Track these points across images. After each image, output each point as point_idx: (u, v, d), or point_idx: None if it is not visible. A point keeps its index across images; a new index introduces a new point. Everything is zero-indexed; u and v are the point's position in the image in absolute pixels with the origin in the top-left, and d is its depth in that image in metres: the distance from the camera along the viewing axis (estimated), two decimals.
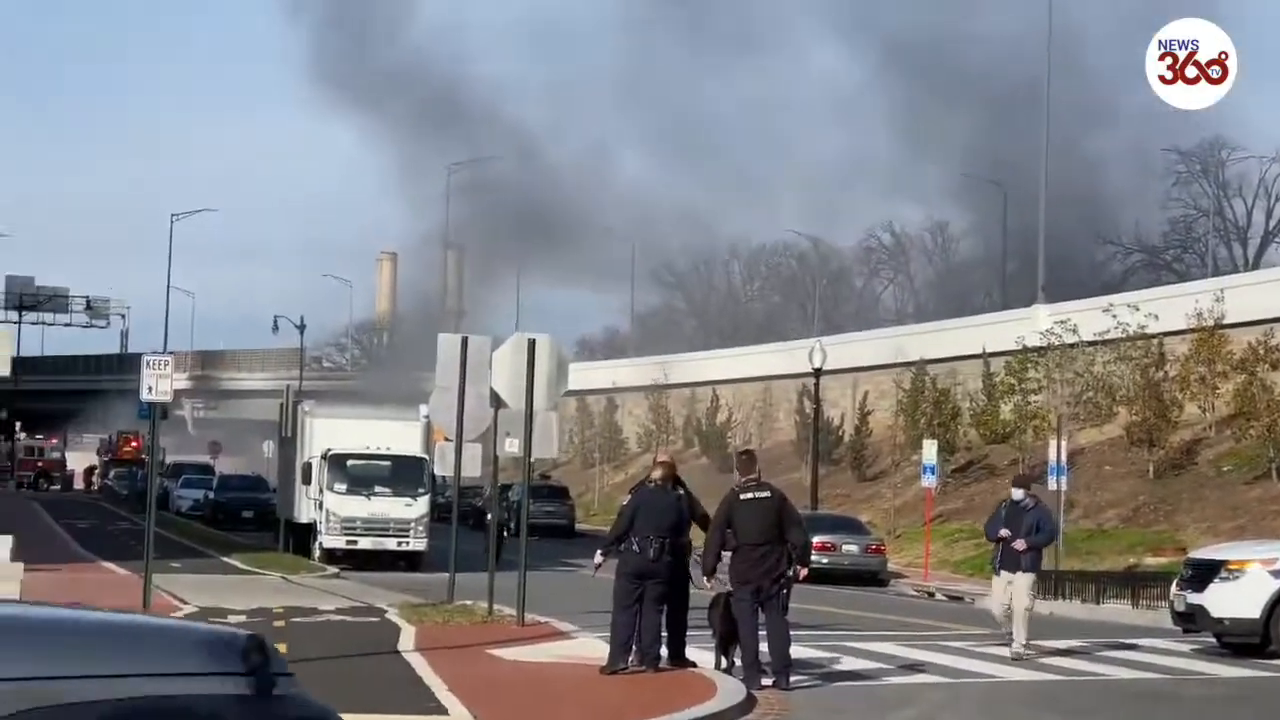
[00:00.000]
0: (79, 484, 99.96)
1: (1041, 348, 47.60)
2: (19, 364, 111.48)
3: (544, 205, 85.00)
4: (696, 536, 17.28)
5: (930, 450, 43.02)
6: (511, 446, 21.56)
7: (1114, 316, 45.70)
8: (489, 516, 29.02)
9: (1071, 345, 45.62)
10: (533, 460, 22.30)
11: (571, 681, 16.22)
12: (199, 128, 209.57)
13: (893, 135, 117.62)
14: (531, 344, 21.05)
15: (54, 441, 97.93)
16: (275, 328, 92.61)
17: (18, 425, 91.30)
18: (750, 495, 16.42)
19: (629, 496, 17.26)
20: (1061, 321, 47.50)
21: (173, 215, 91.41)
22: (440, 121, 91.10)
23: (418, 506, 38.41)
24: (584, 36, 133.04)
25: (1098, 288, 66.58)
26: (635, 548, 16.49)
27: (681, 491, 17.30)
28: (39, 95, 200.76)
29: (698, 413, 73.78)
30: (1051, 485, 37.73)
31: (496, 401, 22.15)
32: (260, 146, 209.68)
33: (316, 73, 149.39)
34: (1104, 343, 46.33)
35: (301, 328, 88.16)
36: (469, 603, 23.48)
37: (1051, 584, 33.89)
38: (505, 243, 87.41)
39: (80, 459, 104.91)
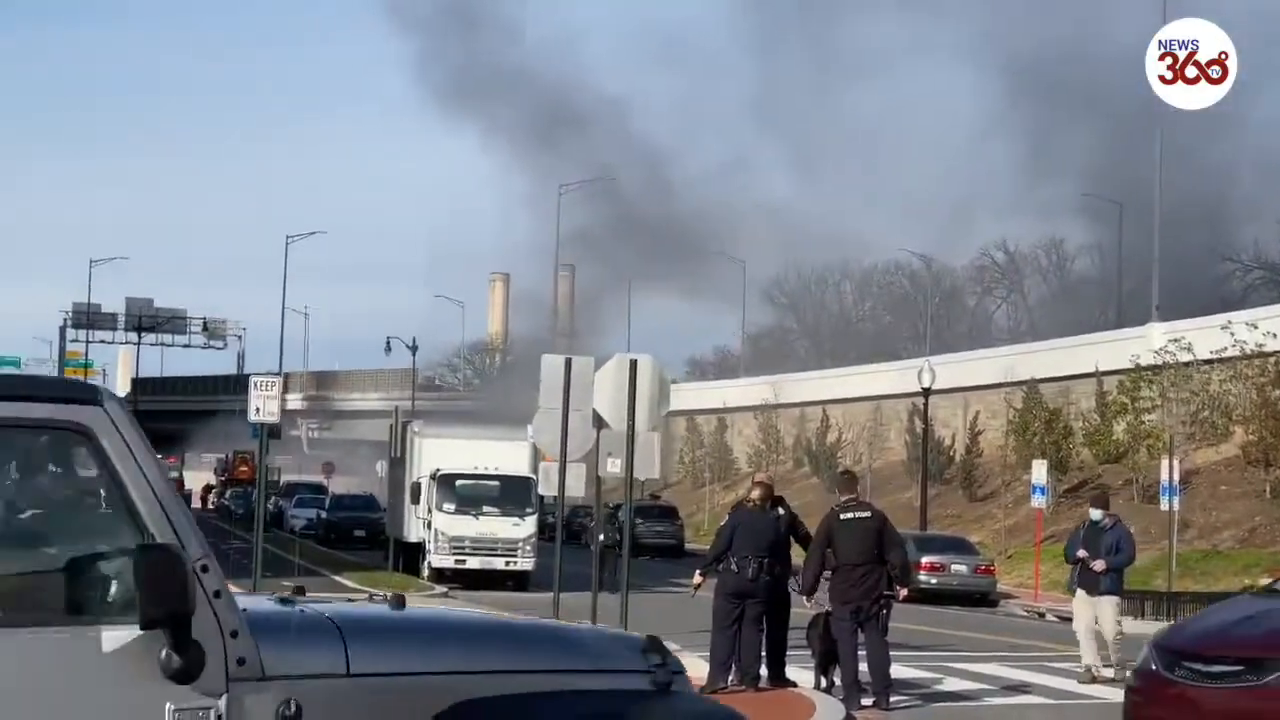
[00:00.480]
0: (196, 503, 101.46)
1: (1156, 366, 47.01)
2: (139, 384, 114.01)
3: (656, 225, 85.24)
4: (798, 556, 17.26)
5: (1041, 470, 42.60)
6: (614, 467, 21.61)
7: (1231, 334, 45.02)
8: (601, 537, 29.08)
9: (1186, 364, 45.02)
10: (641, 480, 22.37)
11: None
12: (314, 151, 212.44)
13: (1009, 153, 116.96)
14: (633, 365, 21.11)
15: (173, 461, 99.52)
16: (388, 349, 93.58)
17: None
18: (850, 515, 16.39)
19: (727, 517, 17.29)
20: (1176, 340, 46.89)
21: (287, 237, 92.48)
22: (552, 139, 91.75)
23: (525, 526, 38.59)
24: (700, 54, 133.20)
25: (1216, 305, 65.59)
26: (734, 567, 16.51)
27: (782, 511, 17.29)
28: (155, 121, 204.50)
29: (808, 432, 73.54)
30: (1164, 505, 37.24)
31: (599, 422, 22.22)
32: (374, 169, 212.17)
33: (432, 88, 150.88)
34: (1220, 361, 45.67)
35: (414, 349, 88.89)
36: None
37: (1165, 605, 33.43)
38: (616, 263, 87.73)
39: (198, 478, 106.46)
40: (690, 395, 79.04)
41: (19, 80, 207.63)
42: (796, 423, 75.06)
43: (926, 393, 51.67)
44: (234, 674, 5.27)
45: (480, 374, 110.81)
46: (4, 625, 5.10)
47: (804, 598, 16.81)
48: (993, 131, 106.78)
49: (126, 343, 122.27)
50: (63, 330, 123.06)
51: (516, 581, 38.36)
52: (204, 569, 5.24)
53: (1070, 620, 35.01)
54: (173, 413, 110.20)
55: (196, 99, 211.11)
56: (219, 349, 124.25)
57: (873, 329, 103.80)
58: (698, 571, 17.92)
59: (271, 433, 27.94)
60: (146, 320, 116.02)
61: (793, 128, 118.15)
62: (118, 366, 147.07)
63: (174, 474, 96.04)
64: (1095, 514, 20.33)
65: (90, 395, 5.40)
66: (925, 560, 39.44)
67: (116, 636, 5.12)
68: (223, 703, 5.23)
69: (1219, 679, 11.46)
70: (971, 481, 59.56)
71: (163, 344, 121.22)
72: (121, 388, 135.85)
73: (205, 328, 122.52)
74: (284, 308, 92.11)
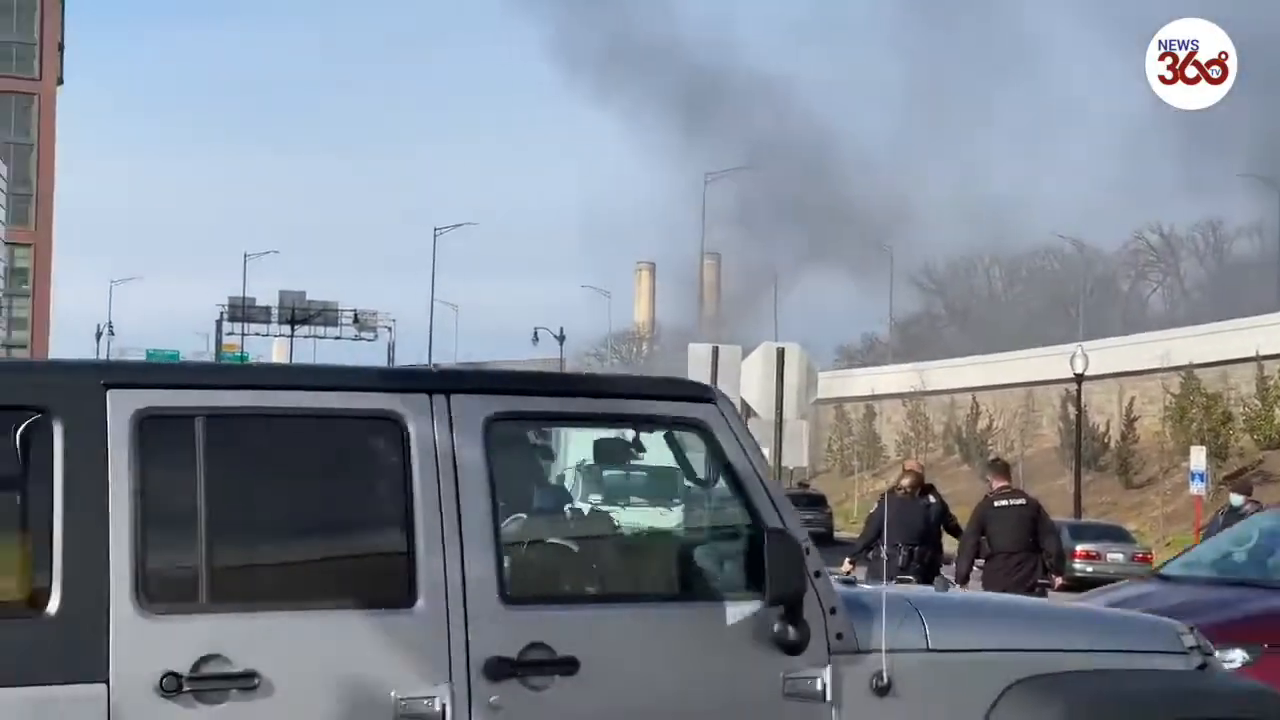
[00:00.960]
0: None
1: None
2: None
3: (802, 212, 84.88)
4: (951, 545, 17.03)
5: (1199, 457, 41.77)
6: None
7: None
8: None
9: None
10: (790, 468, 22.25)
11: None
12: (462, 143, 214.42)
13: (1166, 135, 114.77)
14: (780, 353, 21.01)
15: None
16: (535, 339, 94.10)
17: None
18: (1004, 503, 16.14)
19: (877, 504, 17.14)
20: None
21: (436, 229, 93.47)
22: (699, 126, 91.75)
23: (673, 516, 38.61)
24: (854, 37, 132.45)
25: None
26: (883, 555, 16.33)
27: (932, 500, 17.09)
28: (305, 117, 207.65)
29: (957, 420, 72.80)
30: None
31: (746, 411, 22.14)
32: (521, 161, 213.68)
33: (580, 72, 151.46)
34: None
35: (561, 339, 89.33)
36: None
37: None
38: (763, 250, 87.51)
39: None
40: (838, 383, 78.53)
41: (175, 78, 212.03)
42: (946, 410, 74.31)
43: (1079, 379, 50.87)
44: (834, 647, 5.78)
45: (627, 363, 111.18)
46: (671, 600, 5.80)
47: (957, 586, 16.60)
48: (1148, 112, 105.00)
49: (280, 335, 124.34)
50: (219, 323, 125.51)
51: None
52: (807, 551, 5.74)
53: None
54: None
55: (346, 94, 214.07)
56: (370, 340, 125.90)
57: (1023, 314, 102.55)
58: (847, 559, 17.76)
59: None
60: (299, 313, 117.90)
61: (945, 111, 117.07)
62: (272, 358, 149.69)
63: None
64: (1236, 499, 19.73)
65: (705, 394, 5.95)
66: (1080, 548, 38.81)
67: (738, 611, 5.70)
68: (826, 673, 5.75)
69: None
70: (1127, 468, 58.57)
71: (315, 336, 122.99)
72: None
73: (356, 320, 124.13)
74: (433, 299, 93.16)
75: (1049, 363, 64.53)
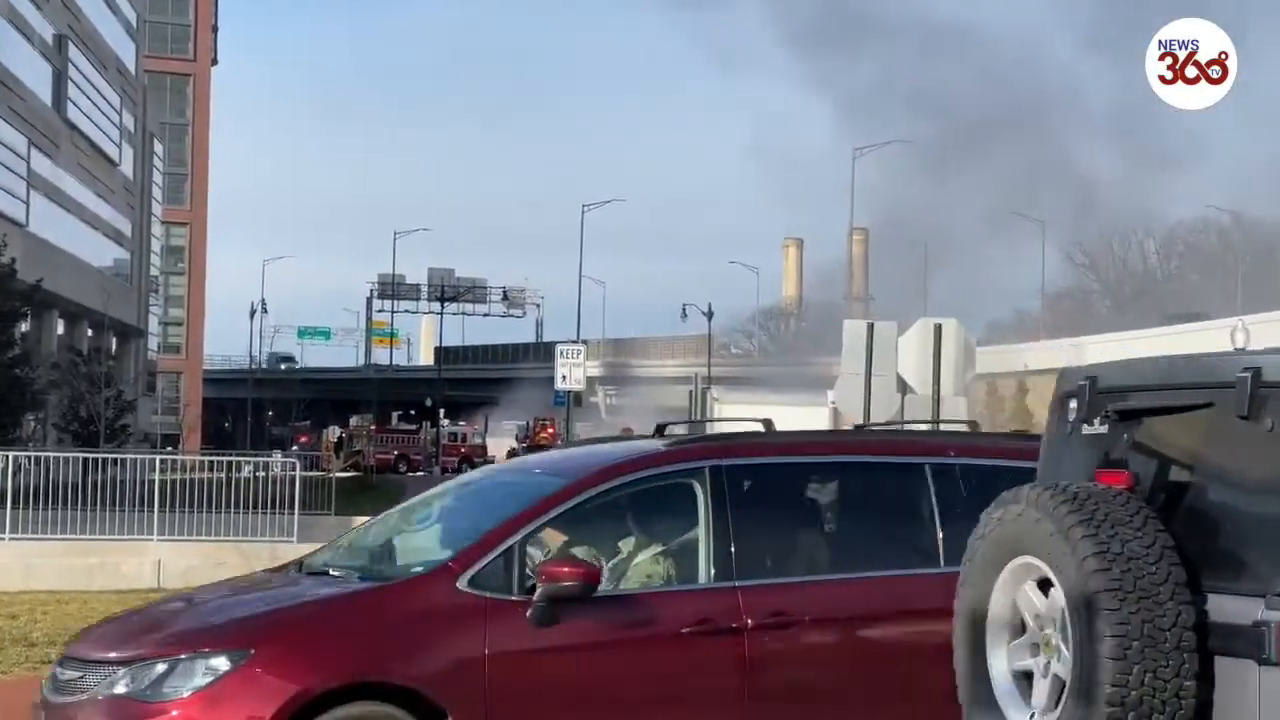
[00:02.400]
0: None
1: None
2: (442, 353, 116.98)
3: (954, 185, 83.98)
4: None
5: None
6: None
7: None
8: None
9: None
10: None
11: None
12: (612, 120, 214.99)
13: None
14: (938, 329, 20.75)
15: (476, 427, 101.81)
16: (684, 315, 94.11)
17: (441, 412, 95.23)
18: None
19: None
20: None
21: (584, 206, 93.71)
22: (852, 99, 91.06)
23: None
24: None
25: None
26: None
27: None
28: (456, 96, 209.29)
29: None
30: None
31: (903, 387, 21.89)
32: (667, 136, 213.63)
33: (730, 46, 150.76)
34: None
35: (709, 315, 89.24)
36: None
37: None
38: (910, 226, 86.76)
39: (500, 445, 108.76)
40: (990, 358, 77.53)
41: (324, 60, 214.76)
42: None
43: (1240, 353, 49.85)
44: None
45: (775, 339, 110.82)
46: None
47: None
48: None
49: (429, 312, 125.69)
50: (369, 301, 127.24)
51: None
52: None
53: None
54: (475, 380, 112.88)
55: (496, 74, 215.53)
56: (518, 317, 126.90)
57: (1179, 288, 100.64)
58: None
59: (575, 399, 28.28)
60: (448, 290, 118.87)
61: (1100, 80, 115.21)
62: (420, 335, 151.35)
63: (477, 440, 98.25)
64: None
65: None
66: None
67: None
68: None
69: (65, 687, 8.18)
70: None
71: (464, 313, 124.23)
72: (425, 356, 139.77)
73: (505, 296, 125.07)
74: (580, 276, 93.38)
75: (1207, 338, 63.22)
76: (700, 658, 8.19)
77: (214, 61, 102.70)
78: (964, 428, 12.84)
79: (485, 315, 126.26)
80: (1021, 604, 6.47)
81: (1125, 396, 6.91)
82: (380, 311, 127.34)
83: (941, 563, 8.58)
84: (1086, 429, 6.94)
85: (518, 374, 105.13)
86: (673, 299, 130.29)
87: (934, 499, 8.89)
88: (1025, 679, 6.50)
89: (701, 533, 8.43)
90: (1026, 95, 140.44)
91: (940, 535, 8.77)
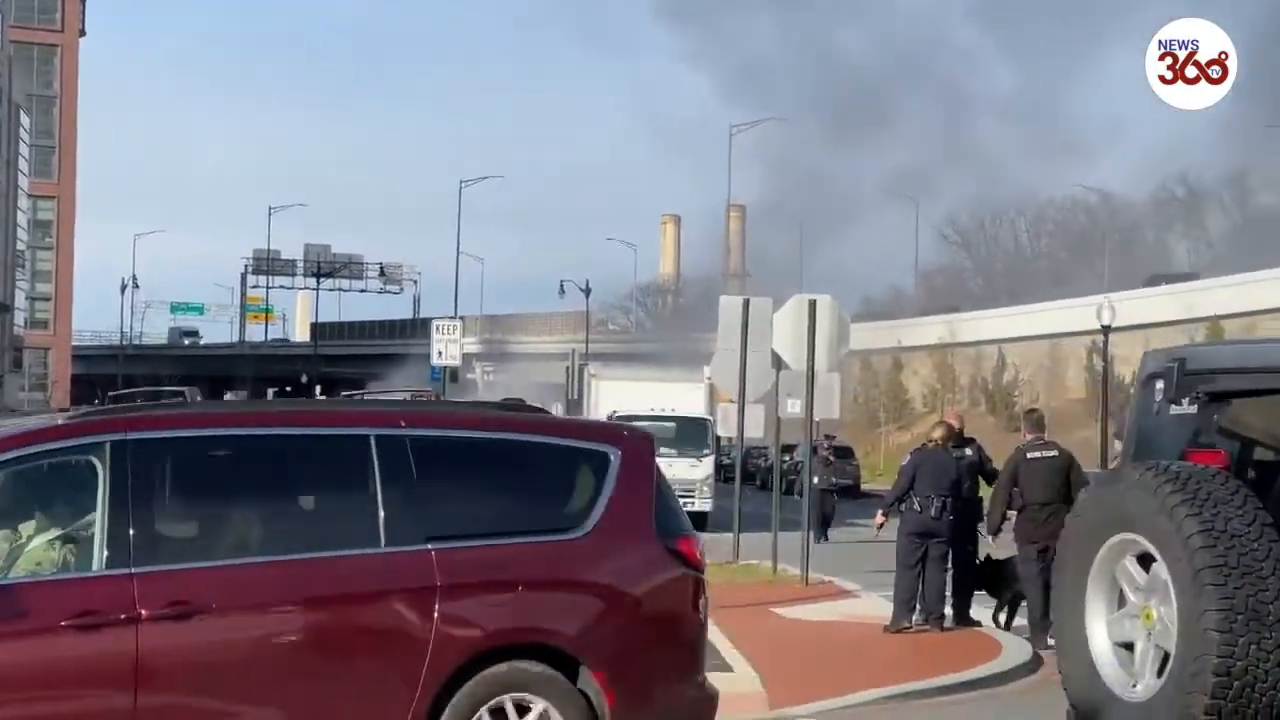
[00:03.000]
0: None
1: None
2: (318, 329, 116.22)
3: (826, 162, 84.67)
4: (988, 494, 17.19)
5: None
6: (793, 408, 21.59)
7: None
8: (815, 480, 28.60)
9: None
10: (817, 421, 22.32)
11: (855, 640, 16.25)
12: (484, 95, 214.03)
13: None
14: (812, 305, 21.06)
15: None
16: (562, 292, 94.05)
17: (318, 389, 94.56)
18: (1037, 454, 16.23)
19: (908, 457, 17.26)
20: None
21: (461, 182, 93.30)
22: (729, 75, 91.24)
23: (703, 467, 38.65)
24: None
25: None
26: (916, 507, 16.45)
27: (969, 451, 17.27)
28: (329, 69, 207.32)
29: (984, 371, 72.78)
30: None
31: (778, 363, 22.20)
32: (543, 113, 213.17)
33: (605, 19, 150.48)
34: None
35: (587, 291, 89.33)
36: (754, 562, 23.62)
37: None
38: (787, 202, 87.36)
39: None
40: (864, 335, 78.38)
41: (197, 31, 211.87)
42: (973, 362, 74.30)
43: (1106, 330, 50.84)
44: None
45: (652, 315, 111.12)
46: None
47: (989, 537, 16.74)
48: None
49: (305, 288, 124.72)
50: (244, 276, 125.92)
51: (695, 522, 38.35)
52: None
53: None
54: (352, 356, 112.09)
55: (373, 45, 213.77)
56: (395, 294, 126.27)
57: (1048, 266, 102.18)
58: (880, 511, 17.92)
59: (451, 375, 28.36)
60: (324, 266, 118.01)
61: (975, 63, 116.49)
62: (297, 311, 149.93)
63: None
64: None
65: None
66: None
67: None
68: None
69: None
70: None
71: (340, 289, 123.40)
72: (302, 332, 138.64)
73: (382, 273, 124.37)
74: (458, 252, 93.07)
75: (1075, 314, 64.45)
76: (84, 653, 7.56)
77: (82, 32, 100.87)
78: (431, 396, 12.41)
79: (362, 291, 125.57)
80: (1121, 578, 6.66)
81: (1214, 379, 7.07)
82: (255, 287, 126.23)
83: (382, 543, 8.12)
84: (1175, 409, 7.09)
85: (395, 350, 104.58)
86: (551, 276, 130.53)
87: (378, 473, 8.21)
88: (1127, 649, 6.72)
89: (99, 515, 7.77)
90: (904, 71, 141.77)
91: (382, 514, 8.15)
